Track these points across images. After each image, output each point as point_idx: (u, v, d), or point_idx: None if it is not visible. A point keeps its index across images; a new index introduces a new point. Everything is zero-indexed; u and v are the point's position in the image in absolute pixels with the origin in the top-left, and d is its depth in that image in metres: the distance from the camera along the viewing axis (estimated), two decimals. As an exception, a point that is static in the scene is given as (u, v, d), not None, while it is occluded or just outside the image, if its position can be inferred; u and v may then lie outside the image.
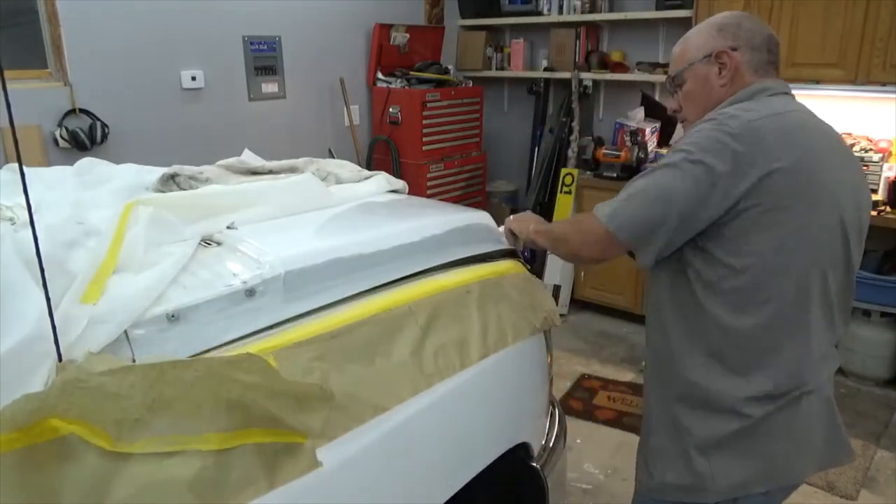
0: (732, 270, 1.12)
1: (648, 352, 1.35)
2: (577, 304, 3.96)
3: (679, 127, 1.17)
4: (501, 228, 1.55)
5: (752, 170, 1.08)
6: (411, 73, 4.08)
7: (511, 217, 1.53)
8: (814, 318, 1.16)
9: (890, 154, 3.19)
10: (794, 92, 1.26)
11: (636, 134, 3.79)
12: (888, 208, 2.96)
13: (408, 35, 4.15)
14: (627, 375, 3.23)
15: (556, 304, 1.38)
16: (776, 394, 1.16)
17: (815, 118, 1.23)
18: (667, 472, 1.24)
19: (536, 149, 4.28)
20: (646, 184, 1.16)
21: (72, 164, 1.71)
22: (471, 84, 4.32)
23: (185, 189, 1.49)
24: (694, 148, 1.11)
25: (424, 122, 3.93)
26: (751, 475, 1.18)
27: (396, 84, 4.03)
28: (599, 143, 3.88)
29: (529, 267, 1.53)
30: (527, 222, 1.45)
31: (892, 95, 3.05)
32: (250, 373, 0.84)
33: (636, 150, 3.70)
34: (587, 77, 4.00)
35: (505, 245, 1.51)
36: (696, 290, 1.17)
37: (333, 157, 3.13)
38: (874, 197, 3.04)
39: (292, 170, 1.72)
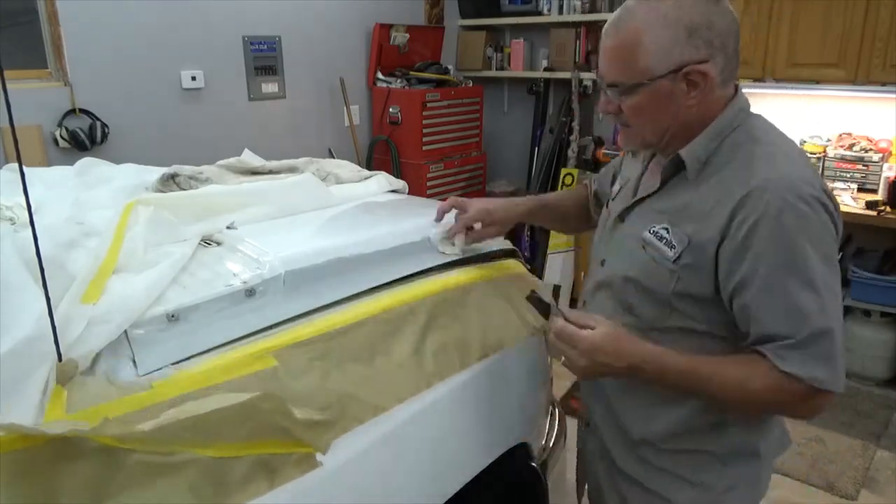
0: None
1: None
2: (577, 304, 3.96)
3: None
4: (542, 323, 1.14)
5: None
6: (411, 73, 4.07)
7: (589, 340, 0.98)
8: None
9: (890, 154, 3.18)
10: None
11: (636, 134, 3.79)
12: (888, 208, 2.96)
13: (408, 35, 4.15)
14: (627, 375, 3.23)
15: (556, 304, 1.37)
16: None
17: None
18: None
19: (536, 149, 4.28)
20: (827, 308, 0.94)
21: (72, 164, 1.71)
22: (471, 84, 4.31)
23: (185, 189, 1.49)
24: (819, 247, 0.94)
25: (424, 122, 3.92)
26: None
27: (396, 84, 4.02)
28: (599, 142, 3.88)
29: (529, 267, 1.53)
30: (613, 359, 0.98)
31: (892, 95, 3.05)
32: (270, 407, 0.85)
33: (636, 150, 3.71)
34: (587, 77, 4.00)
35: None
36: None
37: (333, 157, 3.13)
38: (874, 197, 3.05)
39: (292, 170, 1.72)
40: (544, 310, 1.08)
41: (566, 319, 1.01)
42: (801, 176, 0.96)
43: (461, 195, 4.17)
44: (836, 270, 0.96)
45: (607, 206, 1.26)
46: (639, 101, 1.01)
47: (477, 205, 1.33)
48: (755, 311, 0.96)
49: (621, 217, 1.15)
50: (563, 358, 1.02)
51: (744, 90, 1.07)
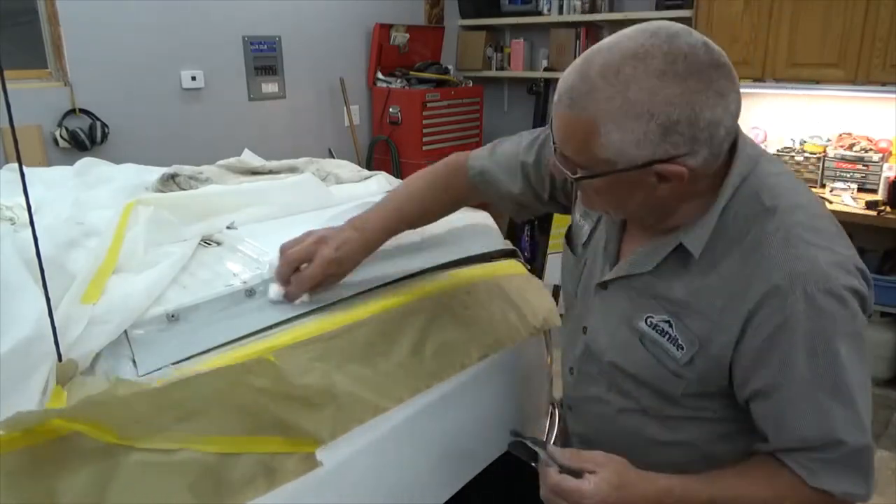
0: None
1: None
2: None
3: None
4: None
5: None
6: (411, 73, 4.07)
7: (593, 485, 0.83)
8: None
9: (890, 154, 3.18)
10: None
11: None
12: (888, 208, 2.96)
13: (408, 35, 4.15)
14: (627, 375, 3.22)
15: (556, 304, 1.37)
16: None
17: None
18: None
19: (536, 149, 4.29)
20: (863, 421, 0.89)
21: (72, 164, 1.71)
22: (471, 84, 4.31)
23: (185, 189, 1.49)
24: (853, 342, 0.84)
25: (424, 122, 3.93)
26: None
27: (396, 84, 4.03)
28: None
29: (529, 267, 1.53)
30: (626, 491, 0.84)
31: (892, 95, 3.05)
32: (261, 377, 0.86)
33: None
34: (587, 77, 4.00)
35: None
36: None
37: (333, 157, 3.13)
38: (874, 197, 3.05)
39: (292, 170, 1.72)
40: (531, 456, 0.91)
41: (560, 467, 0.86)
42: (831, 259, 0.81)
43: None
44: (865, 358, 0.85)
45: (569, 244, 1.14)
46: (597, 186, 0.85)
47: (324, 253, 1.05)
48: (779, 421, 0.85)
49: (604, 285, 1.01)
50: None
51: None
